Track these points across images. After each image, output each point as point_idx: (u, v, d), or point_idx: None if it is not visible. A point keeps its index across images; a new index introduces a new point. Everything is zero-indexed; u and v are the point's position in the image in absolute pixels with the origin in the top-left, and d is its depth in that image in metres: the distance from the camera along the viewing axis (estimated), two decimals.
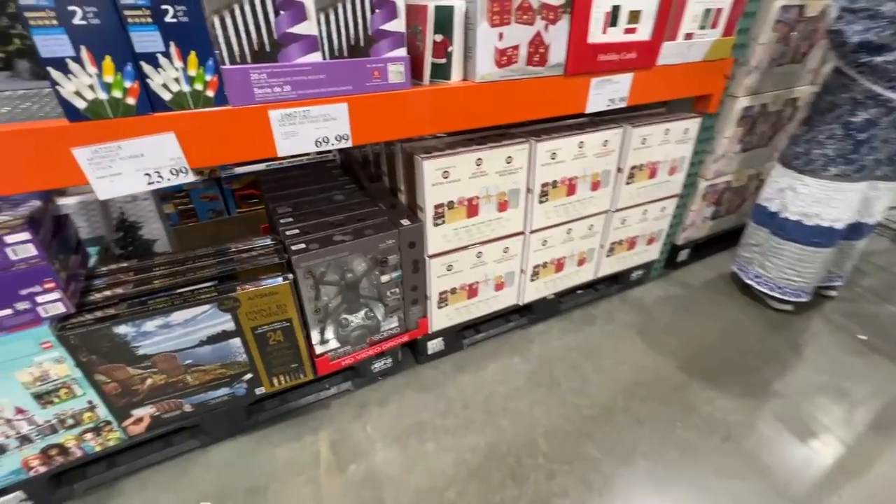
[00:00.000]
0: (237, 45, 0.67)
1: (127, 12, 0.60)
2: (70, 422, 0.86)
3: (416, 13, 0.84)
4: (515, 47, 0.89)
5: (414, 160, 0.98)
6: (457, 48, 0.86)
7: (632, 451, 1.05)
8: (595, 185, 1.23)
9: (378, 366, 1.21)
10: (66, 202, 1.13)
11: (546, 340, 1.37)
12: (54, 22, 0.57)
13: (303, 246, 0.93)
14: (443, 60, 0.88)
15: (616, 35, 0.99)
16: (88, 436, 0.89)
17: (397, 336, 1.17)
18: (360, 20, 0.74)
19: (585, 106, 1.05)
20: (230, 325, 0.90)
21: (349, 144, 0.83)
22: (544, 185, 1.14)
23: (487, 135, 1.13)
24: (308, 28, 0.70)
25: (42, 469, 0.88)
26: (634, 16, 0.99)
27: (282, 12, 0.68)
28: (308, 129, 0.78)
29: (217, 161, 0.74)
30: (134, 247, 1.27)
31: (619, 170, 1.25)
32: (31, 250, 0.71)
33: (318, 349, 1.06)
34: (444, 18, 0.83)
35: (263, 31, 0.68)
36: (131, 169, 0.68)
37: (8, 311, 0.73)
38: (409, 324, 1.17)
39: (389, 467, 1.01)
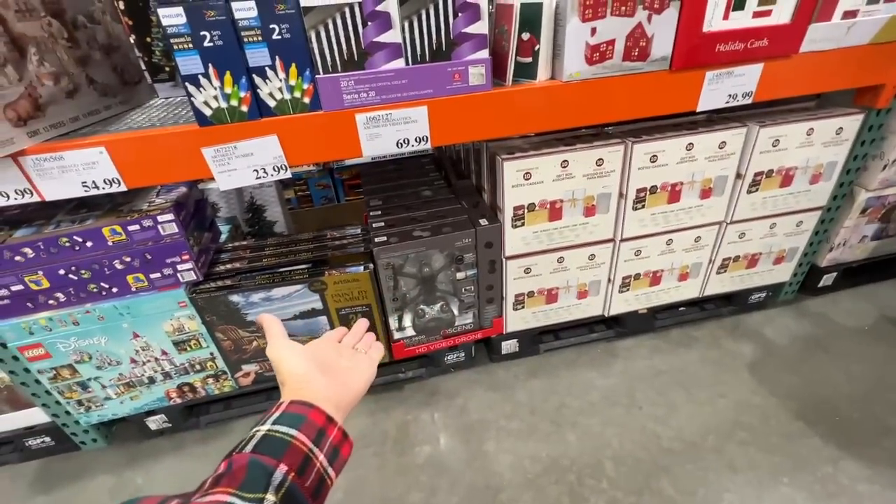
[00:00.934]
0: (329, 56, 0.74)
1: (244, 33, 0.70)
2: (197, 367, 1.06)
3: (502, 12, 0.82)
4: (611, 42, 0.82)
5: (495, 160, 0.98)
6: (544, 46, 0.83)
7: (717, 497, 0.92)
8: (706, 193, 1.08)
9: (451, 358, 1.25)
10: (212, 186, 1.37)
11: (632, 358, 1.27)
12: (190, 45, 0.69)
13: (384, 239, 1.00)
14: (529, 59, 0.85)
15: (742, 20, 0.85)
16: (210, 380, 1.09)
17: (471, 332, 1.19)
18: (442, 25, 0.75)
19: (697, 104, 0.92)
20: (318, 304, 1.01)
21: (428, 146, 0.85)
22: (640, 190, 1.04)
23: (580, 134, 1.07)
24: (393, 36, 0.74)
25: (178, 400, 1.10)
26: None
27: (369, 23, 0.73)
28: (390, 131, 0.82)
29: (311, 160, 0.84)
30: (259, 226, 1.49)
31: (739, 176, 1.08)
32: (174, 228, 0.89)
33: (396, 335, 1.13)
34: (531, 16, 0.80)
35: (353, 41, 0.73)
36: (244, 165, 0.80)
37: (158, 275, 0.93)
38: (483, 322, 1.18)
39: (448, 458, 1.04)
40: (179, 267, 0.93)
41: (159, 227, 0.88)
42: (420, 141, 0.85)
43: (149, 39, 0.99)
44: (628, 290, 1.20)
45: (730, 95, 0.93)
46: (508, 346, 1.26)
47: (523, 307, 1.17)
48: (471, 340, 1.21)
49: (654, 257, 1.16)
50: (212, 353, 1.04)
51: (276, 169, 0.82)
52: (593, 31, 0.80)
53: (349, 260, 1.03)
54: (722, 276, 1.25)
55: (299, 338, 1.06)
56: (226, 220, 1.33)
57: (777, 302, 1.40)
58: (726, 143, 1.02)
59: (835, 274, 1.39)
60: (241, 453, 0.42)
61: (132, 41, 0.99)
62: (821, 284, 1.40)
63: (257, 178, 0.82)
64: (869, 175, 1.20)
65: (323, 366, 0.56)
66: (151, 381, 1.05)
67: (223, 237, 1.21)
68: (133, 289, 0.93)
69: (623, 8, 0.79)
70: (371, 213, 1.12)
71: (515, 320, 1.19)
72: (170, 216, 0.87)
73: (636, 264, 1.16)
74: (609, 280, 1.18)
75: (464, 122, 0.84)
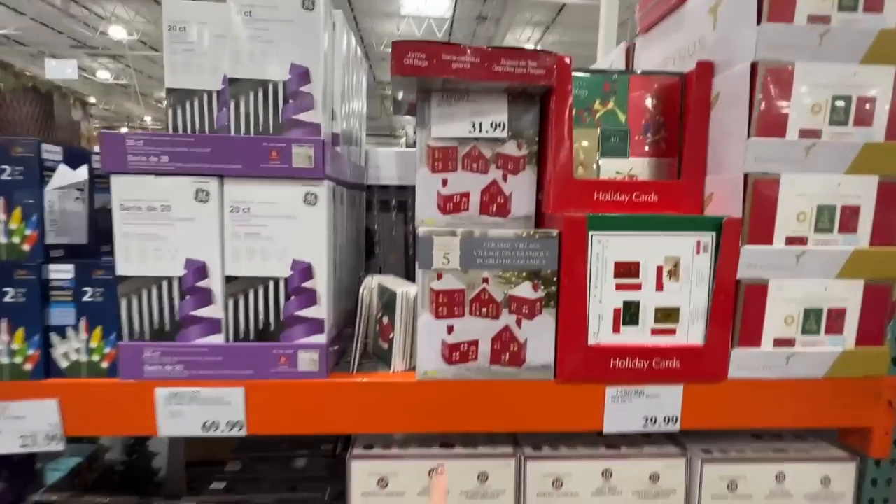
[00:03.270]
0: (138, 324, 0.67)
1: (53, 293, 0.66)
2: None
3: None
4: (473, 342, 0.70)
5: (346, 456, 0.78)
6: (399, 335, 0.72)
7: None
8: None
9: None
10: None
11: None
12: None
13: None
14: (387, 346, 0.74)
15: (639, 336, 0.71)
16: None
17: None
18: (272, 306, 0.68)
19: (602, 423, 0.72)
20: None
21: (243, 433, 0.69)
22: None
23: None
24: (212, 312, 0.67)
25: None
26: (667, 314, 0.71)
27: (187, 297, 0.67)
28: (195, 411, 0.68)
29: (93, 432, 0.69)
30: (137, 455, 1.27)
31: None
32: None
33: None
34: (389, 300, 0.73)
35: (166, 312, 0.67)
36: (10, 429, 0.67)
37: None
38: None
39: None
40: None
41: None
42: (233, 427, 0.69)
43: None
44: None
45: (647, 418, 0.73)
46: None
47: None
48: None
49: None
50: None
51: (49, 438, 0.67)
52: (450, 329, 0.69)
53: None
54: None
55: None
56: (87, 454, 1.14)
57: None
58: (660, 475, 0.77)
59: None
60: None
61: None
62: None
63: (22, 447, 0.67)
64: None
65: None
66: None
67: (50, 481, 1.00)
68: None
69: (484, 309, 0.69)
70: (213, 487, 0.89)
71: None
72: None
73: None
74: None
75: (291, 411, 0.69)
